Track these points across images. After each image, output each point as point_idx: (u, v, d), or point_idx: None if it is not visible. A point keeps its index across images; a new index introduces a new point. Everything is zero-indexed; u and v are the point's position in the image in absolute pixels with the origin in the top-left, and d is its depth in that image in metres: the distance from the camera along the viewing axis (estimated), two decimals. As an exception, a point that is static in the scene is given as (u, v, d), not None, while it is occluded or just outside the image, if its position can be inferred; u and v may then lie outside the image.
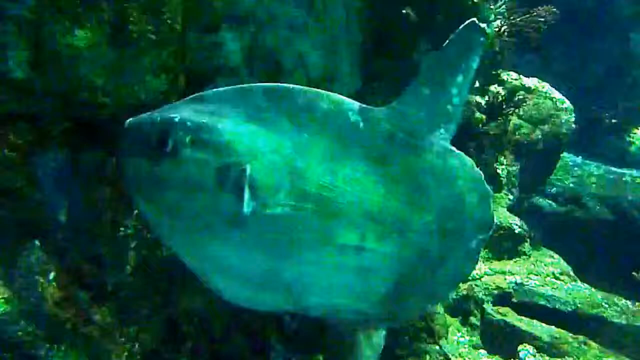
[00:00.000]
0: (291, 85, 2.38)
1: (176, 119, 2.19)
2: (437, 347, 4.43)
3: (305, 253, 2.36)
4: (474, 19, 2.55)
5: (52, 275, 2.83)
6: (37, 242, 2.82)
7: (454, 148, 2.62)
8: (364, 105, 2.46)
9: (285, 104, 2.32)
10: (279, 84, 2.40)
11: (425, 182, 2.55)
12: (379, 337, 2.72)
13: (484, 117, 6.17)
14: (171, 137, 2.16)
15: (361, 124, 2.42)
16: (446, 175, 2.59)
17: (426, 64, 2.60)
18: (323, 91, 2.41)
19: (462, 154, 2.64)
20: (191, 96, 2.37)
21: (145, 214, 2.32)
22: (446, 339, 4.66)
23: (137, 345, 3.16)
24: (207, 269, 2.35)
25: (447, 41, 2.53)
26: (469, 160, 2.65)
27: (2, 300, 2.68)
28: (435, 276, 2.67)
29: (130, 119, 2.24)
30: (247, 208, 2.18)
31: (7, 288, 2.72)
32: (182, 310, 3.39)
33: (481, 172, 2.69)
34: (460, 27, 2.53)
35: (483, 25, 2.56)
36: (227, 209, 2.20)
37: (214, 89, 2.37)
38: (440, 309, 4.71)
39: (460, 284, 5.41)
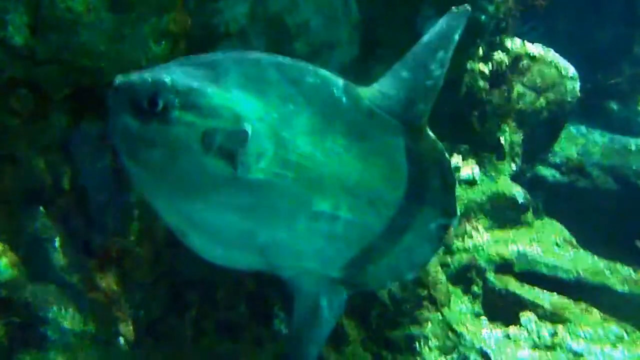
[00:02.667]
0: (281, 57, 2.42)
1: (167, 81, 2.20)
2: (439, 315, 4.48)
3: (281, 218, 2.46)
4: (465, 6, 2.52)
5: (57, 241, 2.86)
6: (41, 209, 2.84)
7: (427, 130, 2.68)
8: (349, 82, 2.51)
9: (275, 74, 2.37)
10: (271, 55, 2.44)
11: (397, 160, 2.63)
12: (340, 303, 2.82)
13: (487, 85, 6.11)
14: (161, 99, 2.19)
15: (344, 100, 2.48)
16: (414, 154, 2.65)
17: (409, 52, 2.60)
18: (311, 65, 2.45)
19: (435, 137, 2.69)
20: (184, 58, 2.39)
21: (131, 172, 2.37)
22: (448, 307, 4.69)
23: (142, 313, 3.20)
24: (185, 228, 2.43)
25: (429, 30, 2.54)
26: (440, 145, 2.70)
27: (9, 264, 2.71)
28: (395, 248, 2.76)
29: (119, 76, 2.21)
30: (240, 169, 2.26)
31: (13, 253, 2.75)
32: (186, 278, 3.42)
33: (450, 160, 2.78)
34: (444, 16, 2.53)
35: (469, 8, 2.53)
36: (210, 171, 2.27)
37: (209, 53, 2.40)
38: (442, 277, 4.74)
39: (456, 261, 5.43)
